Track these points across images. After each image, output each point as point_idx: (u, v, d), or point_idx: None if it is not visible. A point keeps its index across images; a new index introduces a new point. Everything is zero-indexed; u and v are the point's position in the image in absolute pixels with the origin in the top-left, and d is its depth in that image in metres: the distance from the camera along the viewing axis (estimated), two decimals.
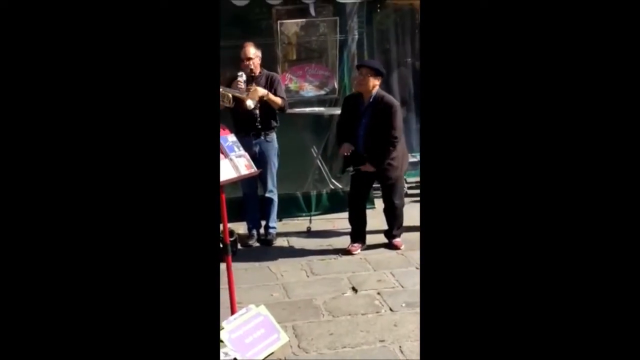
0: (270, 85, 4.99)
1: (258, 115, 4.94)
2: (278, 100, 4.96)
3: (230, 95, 4.80)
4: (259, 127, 4.96)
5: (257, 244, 5.21)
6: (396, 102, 4.83)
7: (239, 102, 4.84)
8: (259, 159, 4.94)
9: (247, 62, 4.94)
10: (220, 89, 4.69)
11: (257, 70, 5.04)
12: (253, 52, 4.98)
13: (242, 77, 4.82)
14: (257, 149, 4.99)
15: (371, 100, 4.74)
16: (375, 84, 4.72)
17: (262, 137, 5.02)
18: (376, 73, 4.72)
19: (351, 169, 4.84)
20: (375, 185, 5.24)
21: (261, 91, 4.88)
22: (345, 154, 4.79)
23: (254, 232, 5.24)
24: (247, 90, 4.85)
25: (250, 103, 4.81)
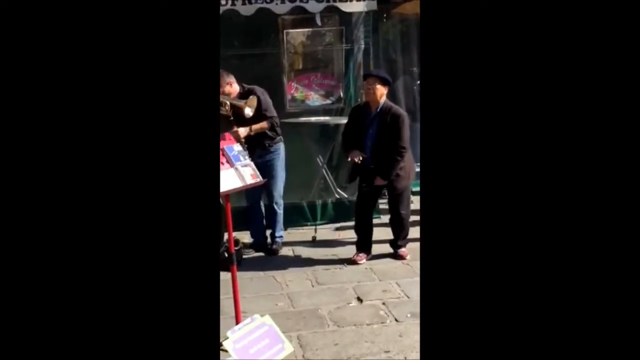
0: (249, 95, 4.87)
1: (246, 148, 4.78)
2: (263, 125, 4.88)
3: (228, 103, 4.80)
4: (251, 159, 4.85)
5: (257, 254, 5.17)
6: (404, 113, 4.83)
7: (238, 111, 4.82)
8: (263, 169, 4.90)
9: (224, 98, 4.83)
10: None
11: (235, 92, 4.92)
12: (224, 80, 4.83)
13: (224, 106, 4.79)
14: (260, 160, 4.92)
15: (378, 110, 4.75)
16: (382, 92, 4.74)
17: (266, 149, 5.00)
18: (383, 82, 4.73)
19: (365, 185, 4.82)
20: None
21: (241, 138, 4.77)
22: (357, 159, 4.73)
23: (255, 242, 5.22)
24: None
25: (248, 111, 4.80)
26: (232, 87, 4.92)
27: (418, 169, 5.72)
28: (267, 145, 5.00)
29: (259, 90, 4.97)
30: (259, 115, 4.88)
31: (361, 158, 4.72)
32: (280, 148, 5.10)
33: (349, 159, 4.84)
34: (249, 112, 4.79)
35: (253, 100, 4.81)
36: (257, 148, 4.94)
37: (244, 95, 4.93)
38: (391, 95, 5.92)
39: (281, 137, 5.12)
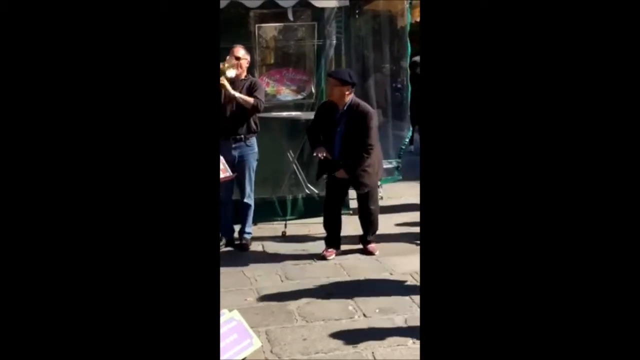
0: (251, 89, 4.94)
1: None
2: (248, 99, 4.87)
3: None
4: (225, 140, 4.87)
5: (226, 249, 5.15)
6: (371, 110, 4.85)
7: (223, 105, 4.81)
8: (238, 164, 4.92)
9: (234, 62, 4.88)
10: None
11: (243, 74, 4.99)
12: (242, 53, 4.97)
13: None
14: (236, 153, 4.95)
15: (345, 108, 4.75)
16: (343, 93, 4.71)
17: (242, 142, 4.99)
18: (342, 83, 4.70)
19: (325, 176, 4.84)
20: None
21: (230, 93, 4.82)
22: (320, 156, 4.76)
23: (224, 237, 5.19)
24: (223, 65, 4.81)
25: (230, 73, 4.77)
26: (247, 64, 5.04)
27: (387, 165, 5.76)
28: (243, 137, 4.98)
29: (259, 81, 5.18)
30: (249, 95, 4.91)
31: (325, 155, 4.73)
32: (254, 142, 5.09)
33: (315, 154, 4.85)
34: (230, 73, 4.80)
35: (230, 61, 4.84)
36: (232, 135, 4.92)
37: (247, 83, 4.99)
38: (363, 92, 5.94)
39: (257, 133, 5.11)
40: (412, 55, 6.50)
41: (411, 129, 6.79)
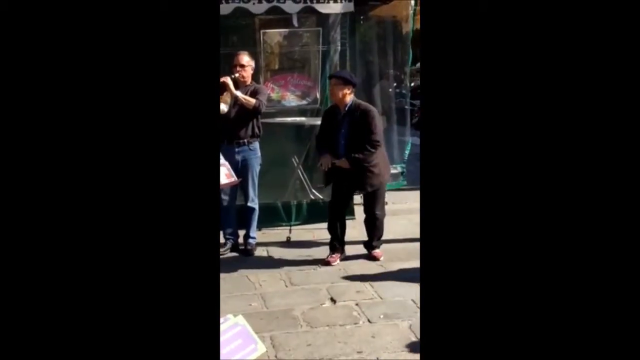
0: (254, 95, 4.95)
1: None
2: (250, 99, 4.87)
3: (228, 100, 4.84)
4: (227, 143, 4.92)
5: (231, 254, 5.17)
6: (373, 108, 4.87)
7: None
8: (242, 168, 4.94)
9: (239, 69, 4.92)
10: None
11: (248, 81, 5.02)
12: (246, 60, 4.99)
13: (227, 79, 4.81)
14: (239, 157, 4.97)
15: (347, 109, 4.77)
16: (345, 92, 4.72)
17: (246, 146, 5.01)
18: (344, 82, 4.72)
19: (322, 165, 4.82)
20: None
21: (233, 92, 4.84)
22: (324, 168, 4.81)
23: (229, 241, 5.21)
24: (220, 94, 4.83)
25: (222, 107, 4.81)
26: (252, 71, 5.07)
27: (392, 171, 5.75)
28: (247, 141, 4.99)
29: (263, 87, 5.29)
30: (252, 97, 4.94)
31: (330, 165, 4.76)
32: (258, 148, 5.10)
33: (319, 164, 4.87)
34: (223, 108, 4.84)
35: (226, 96, 4.88)
36: (236, 140, 4.95)
37: (250, 89, 5.00)
38: (367, 97, 5.95)
39: (259, 137, 5.13)
40: (415, 62, 6.51)
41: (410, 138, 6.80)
